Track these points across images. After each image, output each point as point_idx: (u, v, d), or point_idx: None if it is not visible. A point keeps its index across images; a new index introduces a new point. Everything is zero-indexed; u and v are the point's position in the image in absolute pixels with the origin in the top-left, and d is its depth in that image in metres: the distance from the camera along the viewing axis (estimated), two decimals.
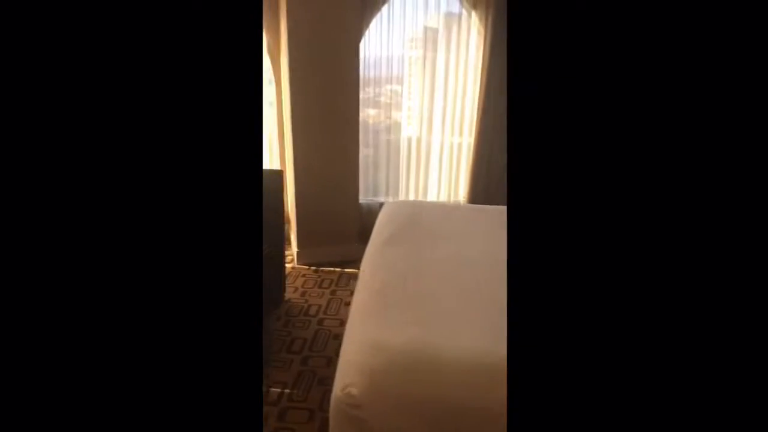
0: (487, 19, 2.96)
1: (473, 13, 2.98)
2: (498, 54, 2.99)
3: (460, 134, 3.21)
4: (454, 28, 3.05)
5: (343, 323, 2.12)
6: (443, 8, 2.99)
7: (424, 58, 3.04)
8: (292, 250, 2.77)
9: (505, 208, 1.94)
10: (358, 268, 2.79)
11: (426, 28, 3.02)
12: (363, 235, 2.88)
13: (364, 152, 2.96)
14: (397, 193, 3.25)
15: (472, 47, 3.09)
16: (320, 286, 2.47)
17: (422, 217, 1.87)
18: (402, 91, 3.12)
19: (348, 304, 2.30)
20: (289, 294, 2.38)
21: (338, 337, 2.02)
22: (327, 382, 1.73)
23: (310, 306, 2.27)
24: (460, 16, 3.03)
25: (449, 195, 3.33)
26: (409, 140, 3.17)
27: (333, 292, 2.41)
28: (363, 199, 3.05)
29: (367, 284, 1.35)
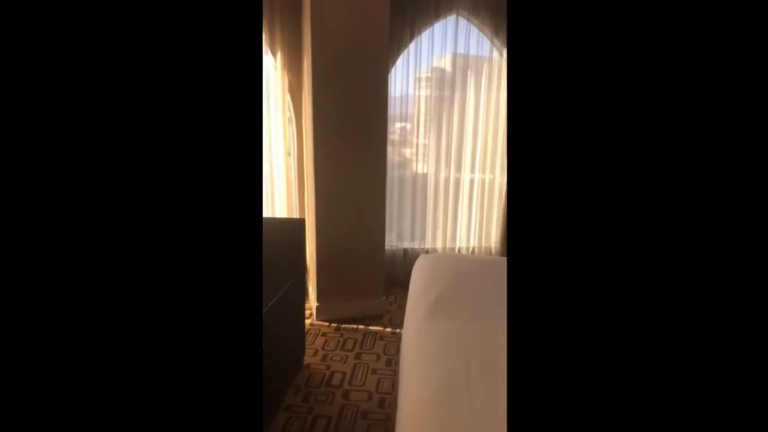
0: None
1: (504, 52, 2.83)
2: None
3: (491, 171, 3.02)
4: (485, 70, 2.90)
5: (371, 396, 1.84)
6: (472, 49, 2.85)
7: (451, 98, 2.87)
8: (311, 304, 2.51)
9: None
10: (384, 326, 2.55)
11: (441, 69, 2.87)
12: (388, 287, 2.63)
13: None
14: (423, 237, 3.01)
15: (502, 87, 2.92)
16: (343, 348, 2.20)
17: (471, 276, 1.61)
18: (414, 129, 2.93)
19: (375, 371, 2.01)
20: (308, 357, 2.10)
21: (366, 416, 1.73)
22: None
23: (333, 373, 1.99)
24: (490, 58, 2.89)
25: (479, 239, 3.08)
26: (436, 178, 2.96)
27: (358, 356, 2.13)
28: (386, 245, 2.81)
29: (415, 378, 1.08)
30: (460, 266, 1.75)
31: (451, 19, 2.76)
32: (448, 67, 2.87)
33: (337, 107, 2.23)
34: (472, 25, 2.79)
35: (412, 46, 2.73)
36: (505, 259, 1.87)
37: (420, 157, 2.95)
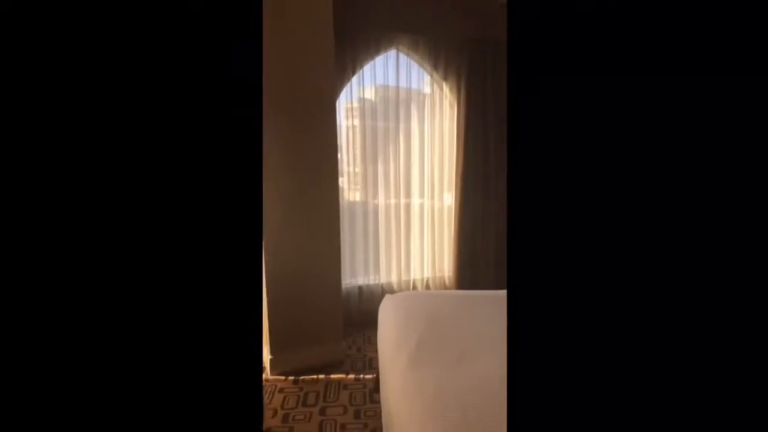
0: (459, 91, 2.90)
1: (444, 85, 2.91)
2: (470, 125, 2.92)
3: (439, 198, 3.04)
4: (427, 102, 2.96)
5: None
6: (414, 83, 2.90)
7: (396, 128, 2.88)
8: (264, 357, 2.27)
9: None
10: (346, 373, 2.37)
11: (379, 100, 2.88)
12: (345, 329, 2.47)
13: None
14: (378, 271, 2.91)
15: (445, 117, 2.99)
16: (305, 404, 1.99)
17: (446, 315, 1.53)
18: (352, 158, 2.87)
19: (344, 426, 1.84)
20: (267, 420, 1.87)
21: None
22: None
23: None
24: (431, 91, 2.96)
25: (433, 269, 3.05)
26: (386, 207, 2.91)
27: (323, 411, 1.94)
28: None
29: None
30: (432, 305, 1.67)
31: (391, 54, 2.79)
32: (386, 99, 2.88)
33: (285, 143, 2.11)
34: (412, 60, 2.85)
35: (354, 79, 2.71)
36: (475, 292, 1.84)
37: (357, 186, 2.89)
